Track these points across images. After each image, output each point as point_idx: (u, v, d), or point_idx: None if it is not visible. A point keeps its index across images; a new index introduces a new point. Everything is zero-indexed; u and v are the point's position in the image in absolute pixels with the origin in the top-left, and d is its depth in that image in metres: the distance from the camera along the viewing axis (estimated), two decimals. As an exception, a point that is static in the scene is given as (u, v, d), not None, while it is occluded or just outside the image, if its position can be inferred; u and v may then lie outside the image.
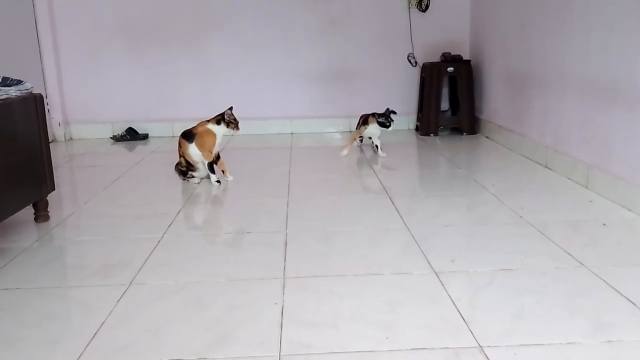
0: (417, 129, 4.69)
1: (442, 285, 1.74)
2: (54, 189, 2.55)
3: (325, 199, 2.76)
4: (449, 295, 1.67)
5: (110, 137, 4.62)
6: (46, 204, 2.51)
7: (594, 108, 2.77)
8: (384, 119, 3.62)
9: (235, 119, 3.06)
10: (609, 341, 1.40)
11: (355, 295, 1.70)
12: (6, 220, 2.25)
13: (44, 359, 1.41)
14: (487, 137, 4.30)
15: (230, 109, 3.06)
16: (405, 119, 4.73)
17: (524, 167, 3.33)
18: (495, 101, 4.22)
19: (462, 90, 4.43)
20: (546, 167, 3.24)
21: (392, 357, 1.37)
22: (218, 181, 3.08)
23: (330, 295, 1.71)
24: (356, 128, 3.94)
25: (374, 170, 3.31)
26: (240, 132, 3.08)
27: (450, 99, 4.70)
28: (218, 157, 3.14)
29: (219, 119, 3.05)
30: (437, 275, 1.82)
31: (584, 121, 2.88)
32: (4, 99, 2.20)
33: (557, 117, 3.17)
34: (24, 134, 2.32)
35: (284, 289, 1.75)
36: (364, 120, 3.74)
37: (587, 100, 2.83)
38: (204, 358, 1.39)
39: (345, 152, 3.75)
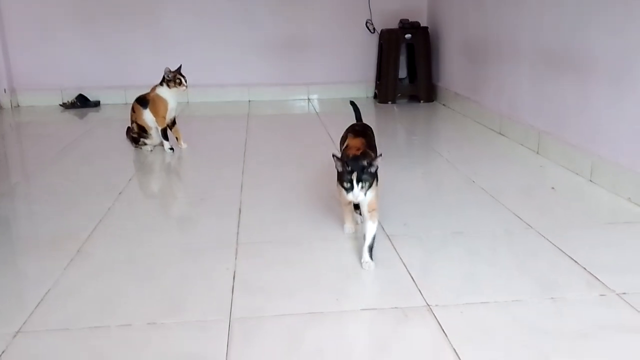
0: (375, 96, 4.68)
1: (395, 248, 1.76)
2: (-2, 158, 2.46)
3: (281, 168, 2.74)
4: (401, 259, 1.69)
5: (60, 105, 4.46)
6: (-11, 172, 2.41)
7: (546, 76, 2.81)
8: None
9: (176, 76, 2.92)
10: (552, 298, 1.45)
11: (309, 261, 1.70)
12: (-55, 190, 2.16)
13: (-15, 330, 1.36)
14: (444, 104, 4.33)
15: (179, 68, 2.96)
16: (364, 87, 4.72)
17: (479, 134, 3.37)
18: (452, 69, 4.24)
19: (420, 58, 4.43)
20: (500, 134, 3.29)
21: (342, 317, 1.38)
22: (171, 148, 3.01)
23: (284, 262, 1.70)
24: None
25: (332, 139, 3.29)
26: (186, 89, 2.96)
27: (408, 67, 4.69)
28: (174, 122, 3.06)
29: (162, 81, 2.96)
30: (389, 239, 1.83)
31: (536, 89, 2.92)
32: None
33: (512, 85, 3.21)
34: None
35: (236, 256, 1.73)
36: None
37: (540, 68, 2.87)
38: (154, 323, 1.37)
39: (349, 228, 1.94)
